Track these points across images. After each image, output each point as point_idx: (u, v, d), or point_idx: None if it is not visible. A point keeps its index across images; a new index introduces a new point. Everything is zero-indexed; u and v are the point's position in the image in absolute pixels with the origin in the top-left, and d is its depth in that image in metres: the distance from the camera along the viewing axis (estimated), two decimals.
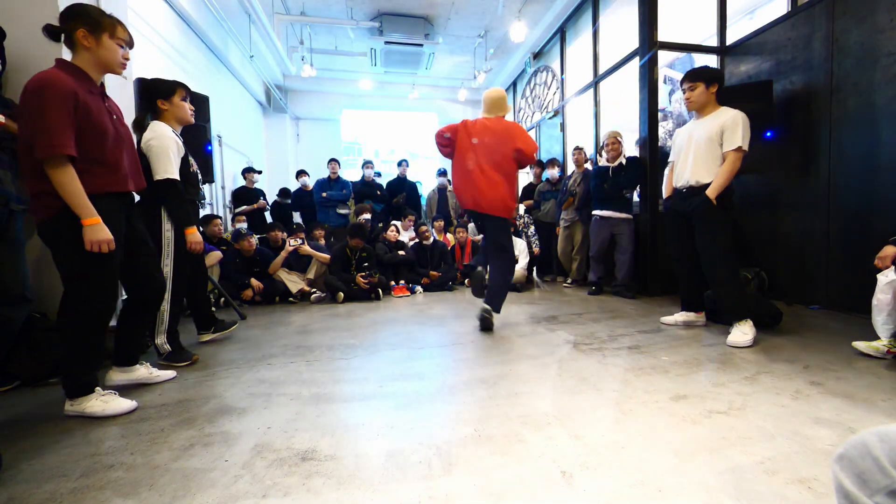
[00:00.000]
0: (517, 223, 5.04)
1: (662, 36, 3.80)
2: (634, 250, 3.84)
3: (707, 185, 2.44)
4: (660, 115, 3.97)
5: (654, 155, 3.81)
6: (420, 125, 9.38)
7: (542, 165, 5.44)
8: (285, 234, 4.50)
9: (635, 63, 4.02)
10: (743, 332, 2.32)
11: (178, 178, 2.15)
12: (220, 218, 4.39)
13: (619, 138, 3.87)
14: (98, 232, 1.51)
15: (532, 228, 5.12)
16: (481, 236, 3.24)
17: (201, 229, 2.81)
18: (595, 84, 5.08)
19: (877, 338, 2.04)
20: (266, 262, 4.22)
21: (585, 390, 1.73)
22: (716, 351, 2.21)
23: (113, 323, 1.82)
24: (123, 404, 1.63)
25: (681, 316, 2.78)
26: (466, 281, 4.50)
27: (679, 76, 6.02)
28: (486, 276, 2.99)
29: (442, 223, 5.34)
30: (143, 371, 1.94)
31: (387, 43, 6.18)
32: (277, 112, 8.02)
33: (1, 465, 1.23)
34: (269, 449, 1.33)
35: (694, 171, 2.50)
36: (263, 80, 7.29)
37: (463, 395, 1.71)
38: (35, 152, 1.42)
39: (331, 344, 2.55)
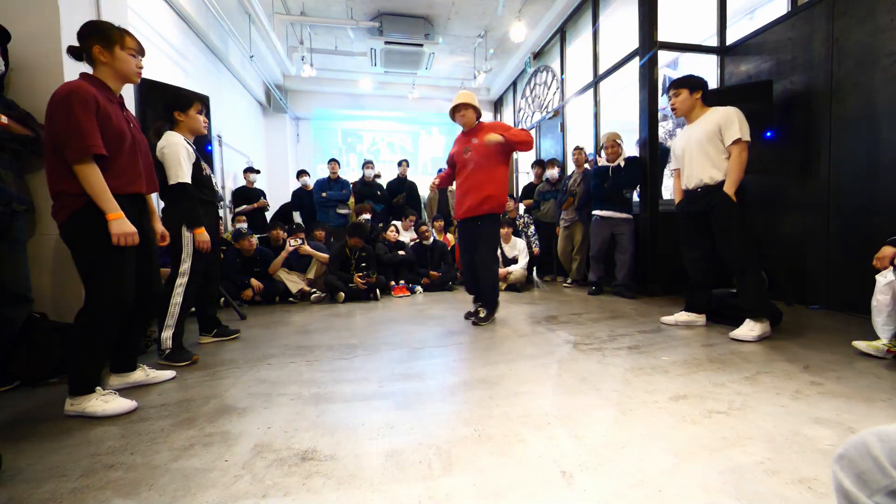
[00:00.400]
0: (517, 223, 5.04)
1: (662, 36, 3.80)
2: (634, 250, 3.84)
3: (721, 182, 2.45)
4: (660, 115, 3.97)
5: (654, 155, 3.81)
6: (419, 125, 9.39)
7: (542, 165, 5.44)
8: (286, 233, 4.50)
9: (635, 63, 4.02)
10: (750, 329, 2.34)
11: (188, 181, 2.26)
12: (221, 218, 4.39)
13: (617, 140, 3.87)
14: (123, 225, 1.60)
15: (532, 228, 5.12)
16: None
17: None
18: (595, 84, 5.08)
19: (877, 337, 2.04)
20: (266, 262, 4.22)
21: (585, 390, 1.73)
22: (716, 351, 2.21)
23: None
24: (123, 404, 1.63)
25: (682, 316, 2.78)
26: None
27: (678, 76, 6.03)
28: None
29: (442, 223, 5.34)
30: (140, 374, 1.94)
31: (387, 43, 6.18)
32: (277, 112, 8.02)
33: (1, 465, 1.23)
34: (269, 449, 1.33)
35: (703, 170, 2.52)
36: (263, 80, 7.29)
37: (463, 395, 1.71)
38: (67, 154, 1.51)
39: (331, 344, 2.55)
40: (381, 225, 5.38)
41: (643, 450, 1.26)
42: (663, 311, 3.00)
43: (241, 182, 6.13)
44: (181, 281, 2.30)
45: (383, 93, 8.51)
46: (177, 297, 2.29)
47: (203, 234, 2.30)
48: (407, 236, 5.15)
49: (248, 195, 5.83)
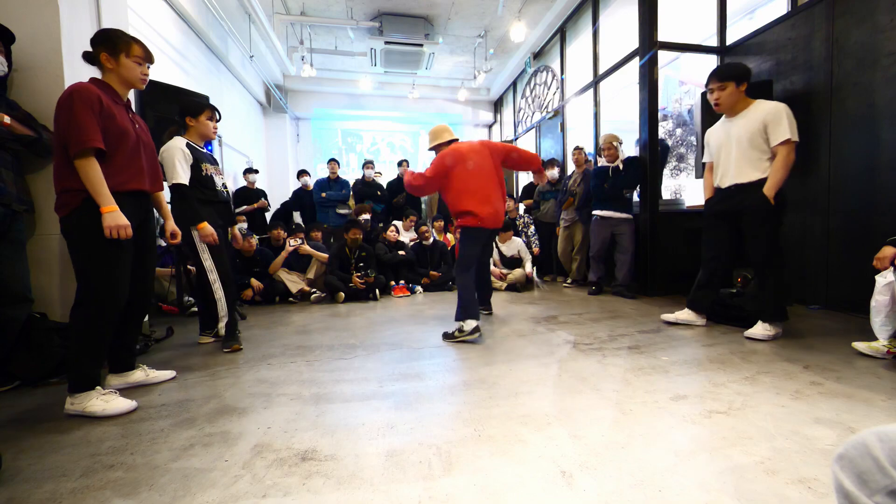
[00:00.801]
0: (517, 223, 5.05)
1: (662, 36, 3.80)
2: (635, 250, 3.84)
3: (756, 182, 2.36)
4: (660, 115, 3.97)
5: (653, 155, 3.81)
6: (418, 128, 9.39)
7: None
8: (286, 233, 4.50)
9: (635, 63, 4.02)
10: (765, 328, 2.35)
11: (183, 182, 2.34)
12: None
13: (614, 143, 3.85)
14: (116, 218, 1.62)
15: (532, 228, 5.12)
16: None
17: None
18: (595, 84, 5.08)
19: (876, 338, 2.04)
20: (266, 262, 4.22)
21: (585, 390, 1.73)
22: (716, 351, 2.21)
23: None
24: (123, 404, 1.63)
25: (684, 314, 2.77)
26: None
27: (677, 75, 6.03)
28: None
29: (442, 223, 5.34)
30: (140, 374, 1.94)
31: (387, 43, 6.17)
32: (277, 112, 8.02)
33: (1, 465, 1.23)
34: (269, 449, 1.33)
35: (739, 170, 2.42)
36: (263, 80, 7.29)
37: (463, 395, 1.71)
38: (69, 149, 1.57)
39: (331, 344, 2.55)
40: (381, 225, 5.38)
41: (643, 450, 1.26)
42: (663, 311, 3.00)
43: (242, 182, 6.13)
44: (213, 277, 2.45)
45: (383, 93, 8.51)
46: (218, 292, 2.47)
47: (206, 228, 2.37)
48: (407, 236, 5.15)
49: (248, 196, 5.83)
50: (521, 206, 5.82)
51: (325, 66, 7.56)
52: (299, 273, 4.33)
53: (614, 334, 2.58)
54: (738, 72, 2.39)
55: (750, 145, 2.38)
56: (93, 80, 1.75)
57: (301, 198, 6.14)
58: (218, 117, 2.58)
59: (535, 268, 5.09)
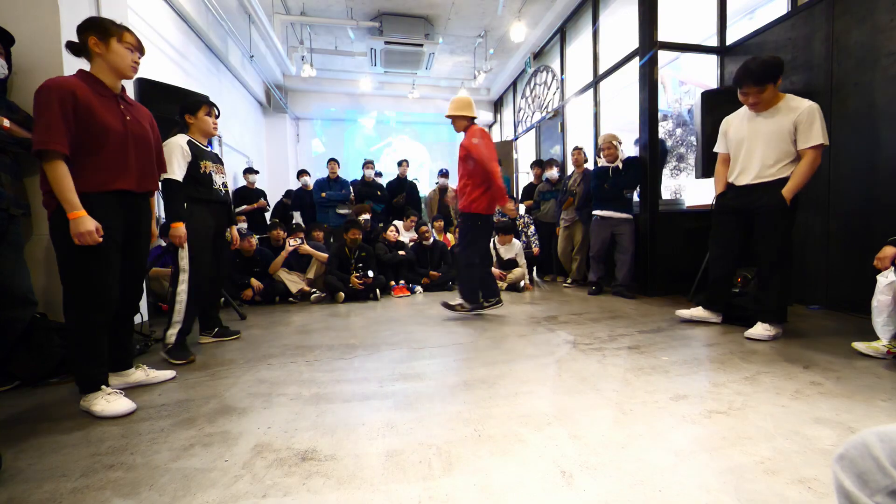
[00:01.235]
0: (517, 223, 5.04)
1: (662, 36, 3.80)
2: (634, 250, 3.84)
3: (777, 182, 2.30)
4: (660, 115, 3.97)
5: (653, 155, 3.81)
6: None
7: (541, 166, 5.44)
8: (286, 233, 4.50)
9: (635, 63, 4.02)
10: (765, 329, 2.34)
11: (175, 178, 2.30)
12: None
13: (613, 142, 3.85)
14: (79, 224, 1.55)
15: (532, 228, 5.12)
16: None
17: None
18: (595, 84, 5.08)
19: (876, 338, 2.04)
20: (266, 262, 4.22)
21: (585, 390, 1.73)
22: (716, 351, 2.21)
23: None
24: (123, 406, 1.63)
25: (699, 311, 2.76)
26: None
27: (677, 75, 6.03)
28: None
29: (442, 223, 5.34)
30: (140, 374, 1.94)
31: (387, 43, 6.17)
32: (277, 112, 8.02)
33: (1, 465, 1.24)
34: (269, 449, 1.33)
35: (762, 168, 2.35)
36: (263, 80, 7.29)
37: (463, 395, 1.71)
38: (31, 147, 1.52)
39: (331, 344, 2.55)
40: (380, 225, 5.38)
41: (643, 450, 1.26)
42: (663, 311, 3.00)
43: (242, 183, 6.14)
44: (183, 278, 2.32)
45: (383, 93, 8.51)
46: (180, 295, 2.31)
47: (178, 230, 2.27)
48: (407, 236, 5.15)
49: (248, 196, 5.83)
50: (522, 207, 5.82)
51: (325, 66, 7.56)
52: (299, 273, 4.33)
53: (614, 334, 2.58)
54: (773, 70, 2.26)
55: (777, 145, 2.29)
56: (79, 72, 1.68)
57: (301, 198, 6.14)
58: (217, 113, 2.55)
59: (534, 268, 5.09)
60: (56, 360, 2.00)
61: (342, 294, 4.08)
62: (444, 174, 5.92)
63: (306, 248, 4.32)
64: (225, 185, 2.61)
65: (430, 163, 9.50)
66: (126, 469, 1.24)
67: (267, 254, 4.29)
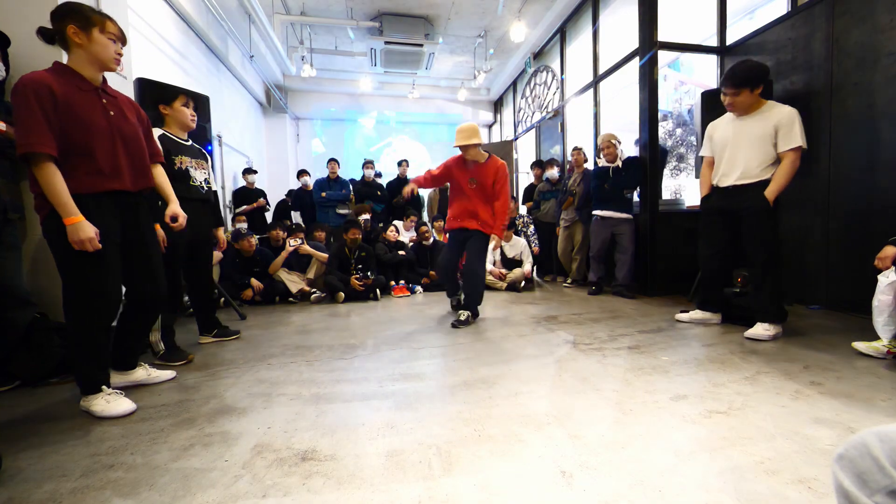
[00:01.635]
0: (517, 223, 5.04)
1: (662, 36, 3.80)
2: (634, 250, 3.84)
3: (760, 183, 2.37)
4: (660, 115, 3.97)
5: (653, 155, 3.81)
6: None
7: (541, 166, 5.44)
8: (286, 233, 4.50)
9: (635, 63, 4.02)
10: (765, 328, 2.35)
11: None
12: (220, 219, 4.39)
13: (613, 141, 3.85)
14: (78, 231, 1.48)
15: (532, 228, 5.12)
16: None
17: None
18: (595, 84, 5.08)
19: (876, 338, 2.04)
20: (266, 262, 4.22)
21: (585, 390, 1.73)
22: (716, 351, 2.21)
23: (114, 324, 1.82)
24: (123, 406, 1.62)
25: (697, 314, 2.77)
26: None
27: (677, 75, 6.03)
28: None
29: (442, 223, 5.34)
30: (142, 373, 1.94)
31: (387, 43, 6.17)
32: (277, 112, 8.02)
33: (1, 465, 1.24)
34: (269, 449, 1.33)
35: (746, 170, 2.42)
36: (263, 80, 7.30)
37: (463, 395, 1.71)
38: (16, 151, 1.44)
39: (331, 344, 2.55)
40: (380, 225, 5.38)
41: (643, 450, 1.26)
42: (663, 311, 3.00)
43: (241, 183, 6.14)
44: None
45: (383, 93, 8.51)
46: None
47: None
48: (407, 236, 5.14)
49: (248, 196, 5.83)
50: (523, 208, 5.82)
51: (325, 66, 7.56)
52: (299, 273, 4.33)
53: (614, 334, 2.58)
54: (754, 76, 2.33)
55: (760, 145, 2.37)
56: (55, 65, 1.56)
57: (301, 198, 6.14)
58: (195, 105, 2.40)
59: (534, 267, 5.08)
60: (56, 360, 2.00)
61: (342, 294, 4.08)
62: None
63: (306, 248, 4.32)
64: (207, 181, 2.48)
65: (430, 163, 9.50)
66: (126, 469, 1.24)
67: (267, 254, 4.29)
